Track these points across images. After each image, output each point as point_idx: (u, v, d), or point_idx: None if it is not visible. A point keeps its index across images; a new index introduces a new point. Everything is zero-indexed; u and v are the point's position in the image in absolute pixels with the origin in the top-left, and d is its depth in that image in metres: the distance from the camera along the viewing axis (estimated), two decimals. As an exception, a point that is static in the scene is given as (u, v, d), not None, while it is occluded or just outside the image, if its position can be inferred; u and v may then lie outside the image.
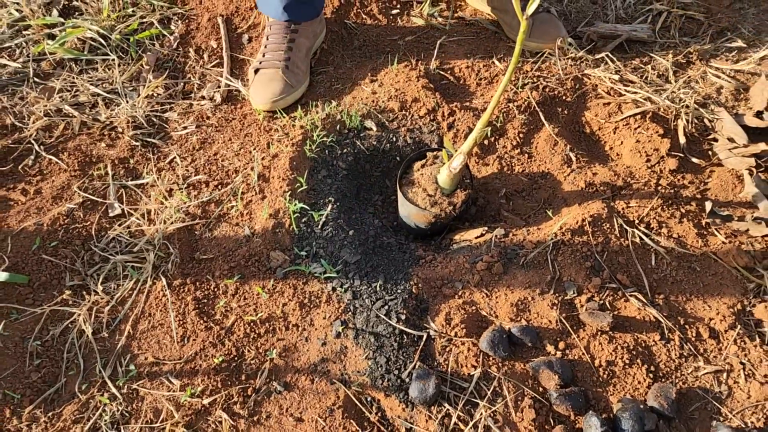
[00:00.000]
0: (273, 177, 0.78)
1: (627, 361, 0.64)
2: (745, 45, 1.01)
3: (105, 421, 0.60)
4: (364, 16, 1.02)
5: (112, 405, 0.61)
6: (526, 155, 0.84)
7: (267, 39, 0.90)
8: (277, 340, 0.66)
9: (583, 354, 0.64)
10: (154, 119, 0.90)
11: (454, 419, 0.60)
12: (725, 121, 0.88)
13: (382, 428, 0.60)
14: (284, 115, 0.86)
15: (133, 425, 0.60)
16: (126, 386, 0.63)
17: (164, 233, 0.74)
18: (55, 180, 0.81)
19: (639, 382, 0.63)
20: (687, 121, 0.88)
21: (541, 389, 0.62)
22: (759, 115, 0.90)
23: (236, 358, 0.65)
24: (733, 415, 0.61)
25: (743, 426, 0.60)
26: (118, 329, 0.67)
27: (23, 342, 0.65)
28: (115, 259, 0.72)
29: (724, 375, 0.64)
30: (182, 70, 0.97)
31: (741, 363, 0.65)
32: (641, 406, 0.60)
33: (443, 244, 0.77)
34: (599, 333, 0.66)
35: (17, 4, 1.05)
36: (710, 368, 0.64)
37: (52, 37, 1.01)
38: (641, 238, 0.73)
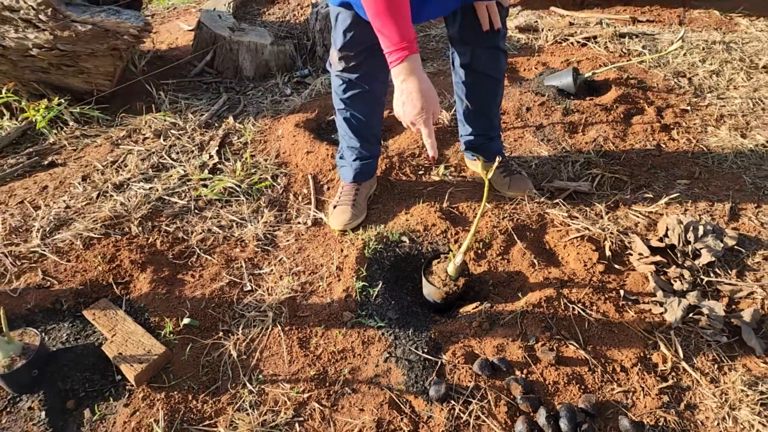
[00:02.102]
0: (345, 268, 1.30)
1: (565, 382, 1.04)
2: (655, 196, 1.57)
3: (245, 404, 1.03)
4: (401, 175, 1.65)
5: (249, 396, 1.05)
6: (506, 260, 1.35)
7: (342, 189, 1.51)
8: (347, 363, 1.10)
9: (539, 377, 1.06)
10: (269, 236, 1.47)
11: (457, 411, 1.00)
12: (637, 242, 1.38)
13: (412, 416, 1.00)
14: (351, 233, 1.43)
15: (262, 408, 1.03)
16: (257, 387, 1.07)
17: (278, 300, 1.24)
18: (211, 270, 1.35)
19: (573, 394, 1.02)
20: (612, 242, 1.39)
21: (511, 396, 1.02)
22: (660, 240, 1.40)
23: (323, 373, 1.09)
24: (635, 418, 0.99)
25: (641, 423, 0.97)
26: (251, 355, 1.13)
27: (197, 359, 1.12)
28: (248, 314, 1.22)
29: (630, 393, 1.03)
30: (285, 207, 1.58)
31: (641, 386, 1.04)
32: (574, 407, 0.99)
33: (452, 314, 1.24)
34: (549, 365, 1.07)
35: (183, 167, 1.74)
36: (620, 389, 1.04)
37: (205, 185, 1.66)
38: (578, 311, 1.19)
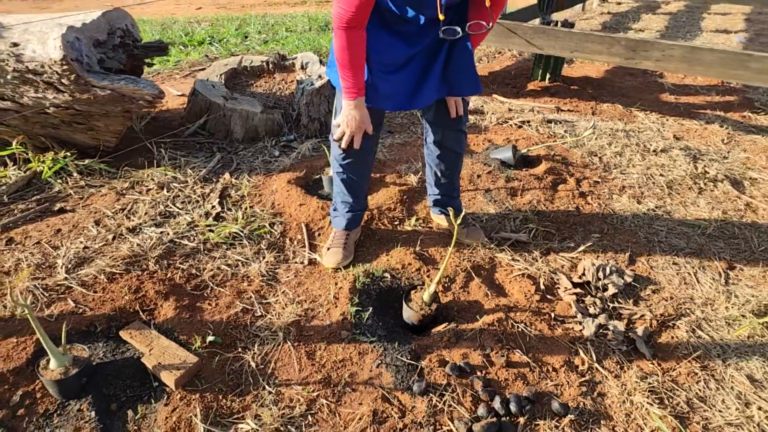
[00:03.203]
0: (340, 297, 1.62)
1: (513, 378, 1.40)
2: (575, 246, 2.05)
3: (267, 401, 1.29)
4: (380, 224, 2.04)
5: (269, 396, 1.31)
6: (466, 292, 1.73)
7: (335, 234, 1.86)
8: (347, 369, 1.40)
9: (494, 375, 1.41)
10: (271, 273, 1.77)
11: (434, 401, 1.32)
12: (563, 279, 1.83)
13: (400, 406, 1.31)
14: (343, 269, 1.76)
15: (280, 404, 1.29)
16: (275, 388, 1.33)
17: (286, 323, 1.53)
18: (224, 299, 1.62)
19: (519, 387, 1.38)
20: (544, 279, 1.82)
21: (474, 389, 1.36)
22: (579, 277, 1.86)
23: (327, 378, 1.38)
24: (562, 402, 1.35)
25: (567, 405, 1.34)
26: (267, 365, 1.40)
27: (223, 368, 1.37)
28: (261, 334, 1.49)
29: (559, 386, 1.40)
30: (283, 249, 1.90)
31: (566, 381, 1.42)
32: (519, 396, 1.34)
33: (426, 333, 1.58)
34: (501, 367, 1.43)
35: (190, 215, 2.03)
36: (552, 383, 1.41)
37: (211, 231, 1.95)
38: (521, 329, 1.57)
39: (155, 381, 1.32)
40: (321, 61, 3.11)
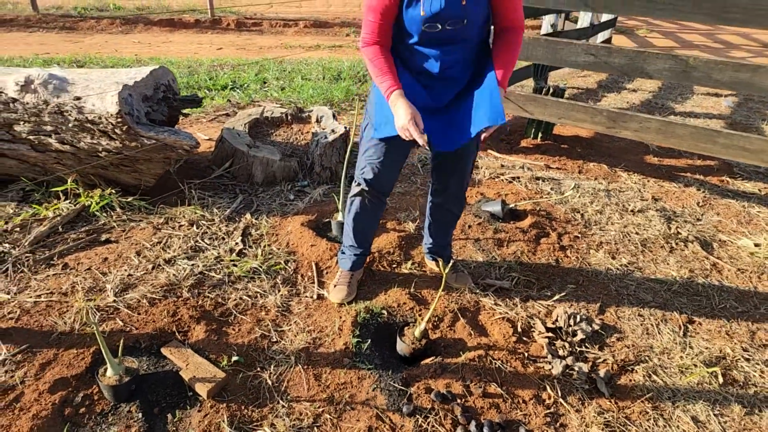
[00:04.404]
0: (344, 329, 1.93)
1: (488, 407, 1.69)
2: (552, 294, 2.36)
3: (281, 413, 1.58)
4: (380, 267, 2.37)
5: (282, 409, 1.60)
6: (453, 330, 2.04)
7: (340, 274, 2.19)
8: (347, 391, 1.70)
9: (472, 403, 1.69)
10: (285, 304, 2.09)
11: (420, 422, 1.60)
12: (538, 324, 2.13)
13: (391, 424, 1.60)
14: (347, 305, 2.08)
15: (292, 416, 1.58)
16: (287, 403, 1.63)
17: (297, 349, 1.84)
18: (246, 326, 1.93)
19: (493, 414, 1.66)
20: (522, 323, 2.12)
21: (454, 414, 1.64)
22: (553, 323, 2.16)
23: (331, 397, 1.67)
24: (529, 428, 1.63)
25: (533, 431, 1.62)
26: (281, 384, 1.70)
27: (245, 383, 1.67)
28: (277, 357, 1.80)
29: (527, 415, 1.69)
30: (296, 284, 2.22)
31: (534, 412, 1.70)
32: (493, 422, 1.62)
33: (416, 364, 1.88)
34: (478, 396, 1.72)
35: (216, 250, 2.36)
36: (521, 413, 1.69)
37: (234, 265, 2.28)
38: (498, 365, 1.86)
39: (190, 391, 1.61)
40: (334, 116, 3.53)
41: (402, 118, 1.59)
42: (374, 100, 1.81)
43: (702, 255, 2.81)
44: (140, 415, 1.51)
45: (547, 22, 5.95)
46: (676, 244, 2.89)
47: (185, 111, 3.05)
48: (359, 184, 1.96)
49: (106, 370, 1.55)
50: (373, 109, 1.82)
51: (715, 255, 2.84)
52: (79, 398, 1.54)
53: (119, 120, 2.48)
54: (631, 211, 3.20)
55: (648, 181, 3.72)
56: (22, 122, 2.57)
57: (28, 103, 2.54)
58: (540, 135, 4.09)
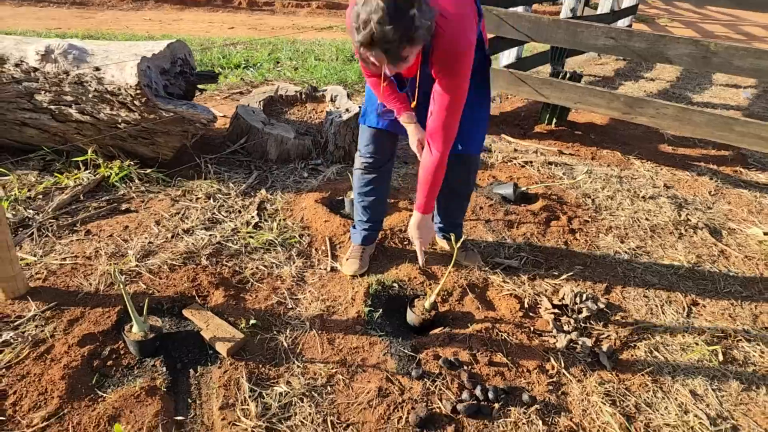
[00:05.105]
0: (356, 299, 2.04)
1: (493, 374, 1.79)
2: (559, 274, 2.45)
3: (296, 372, 1.69)
4: (391, 243, 2.46)
5: (297, 369, 1.71)
6: (461, 304, 2.13)
7: (353, 248, 2.29)
8: (359, 355, 1.80)
9: (478, 370, 1.80)
10: (300, 275, 2.19)
11: (428, 385, 1.71)
12: (544, 301, 2.22)
13: (400, 386, 1.70)
14: (359, 277, 2.18)
15: (306, 375, 1.69)
16: (302, 364, 1.74)
17: (312, 315, 1.95)
18: (262, 293, 2.04)
19: (498, 381, 1.77)
20: (529, 299, 2.22)
21: (461, 379, 1.75)
22: (559, 300, 2.25)
23: (343, 360, 1.78)
24: (531, 395, 1.73)
25: (535, 397, 1.72)
26: (297, 346, 1.81)
27: (262, 345, 1.78)
28: (292, 322, 1.91)
29: (530, 383, 1.79)
30: (310, 257, 2.33)
31: (537, 380, 1.80)
32: (497, 387, 1.73)
33: (425, 334, 1.98)
34: (484, 364, 1.82)
35: (233, 222, 2.47)
36: (525, 381, 1.79)
37: (251, 237, 2.39)
38: (505, 337, 1.96)
39: (210, 350, 1.73)
40: (348, 95, 3.60)
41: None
42: (367, 89, 2.05)
43: (711, 242, 2.88)
44: (164, 369, 1.63)
45: (566, 7, 5.93)
46: (686, 230, 2.95)
47: (201, 87, 3.13)
48: (360, 158, 2.12)
49: (131, 327, 1.67)
50: (365, 95, 2.06)
51: (723, 242, 2.90)
52: (107, 352, 1.66)
53: (138, 92, 2.57)
54: (643, 197, 3.26)
55: (661, 169, 3.76)
56: (43, 92, 2.68)
57: (48, 73, 2.64)
58: (554, 121, 4.13)
